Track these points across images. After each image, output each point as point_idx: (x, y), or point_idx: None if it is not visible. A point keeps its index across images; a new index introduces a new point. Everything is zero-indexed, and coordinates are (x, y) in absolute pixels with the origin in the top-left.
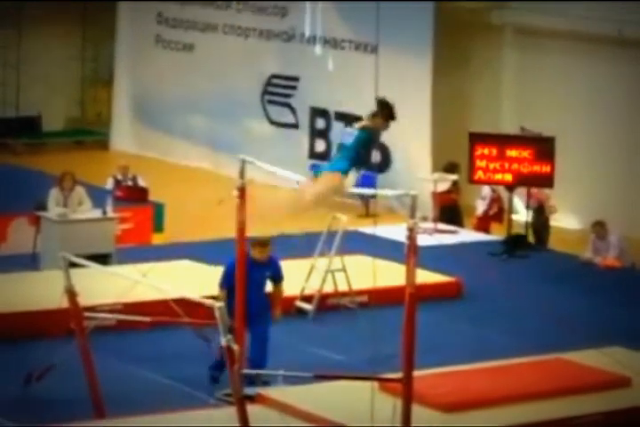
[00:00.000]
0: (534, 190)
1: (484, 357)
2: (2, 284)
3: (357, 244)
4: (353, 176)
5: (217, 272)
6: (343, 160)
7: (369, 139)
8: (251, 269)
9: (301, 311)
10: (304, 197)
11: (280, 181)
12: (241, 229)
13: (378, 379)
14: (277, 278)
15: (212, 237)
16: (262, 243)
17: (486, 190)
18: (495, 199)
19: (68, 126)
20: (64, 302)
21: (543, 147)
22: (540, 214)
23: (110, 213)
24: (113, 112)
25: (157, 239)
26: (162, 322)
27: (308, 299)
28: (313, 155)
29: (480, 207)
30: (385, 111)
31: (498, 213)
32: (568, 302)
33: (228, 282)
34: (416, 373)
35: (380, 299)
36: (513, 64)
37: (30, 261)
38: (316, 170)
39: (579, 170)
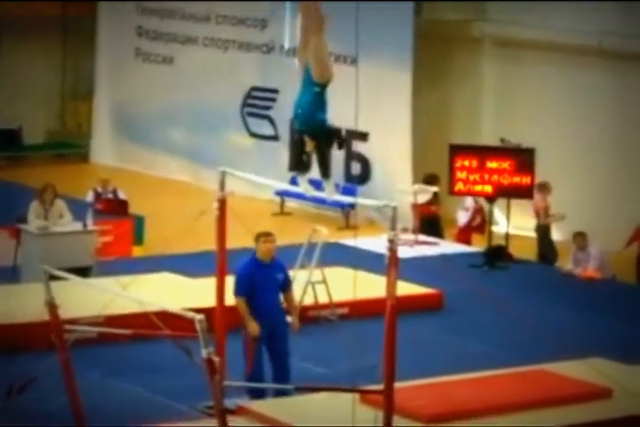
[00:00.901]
0: (535, 202)
1: (466, 368)
2: None
3: (338, 256)
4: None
5: (197, 285)
6: None
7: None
8: (259, 272)
9: None
10: None
11: (260, 192)
12: (221, 241)
13: (359, 391)
14: (288, 284)
15: (192, 249)
16: (267, 233)
17: (469, 201)
18: (478, 210)
19: (49, 139)
20: (45, 315)
21: (523, 158)
22: (545, 233)
23: (91, 226)
24: (93, 125)
25: (138, 252)
26: (143, 335)
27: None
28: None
29: (462, 218)
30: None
31: (480, 224)
32: (549, 314)
33: (244, 288)
34: (397, 384)
35: (361, 311)
36: (493, 76)
37: (11, 274)
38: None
39: (559, 181)
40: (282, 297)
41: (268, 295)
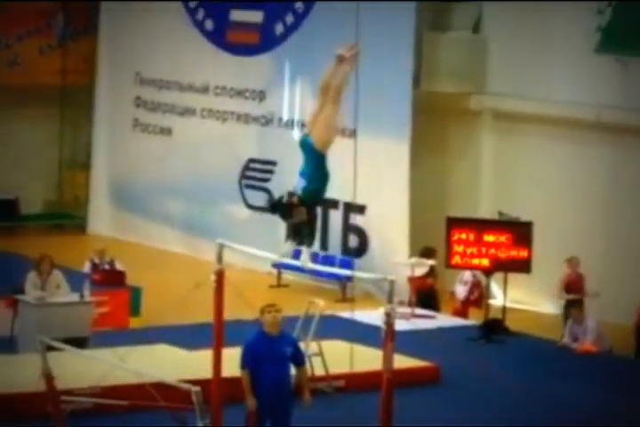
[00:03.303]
0: (564, 276)
1: None
2: None
3: (334, 328)
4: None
5: (194, 356)
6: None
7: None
8: (267, 346)
9: None
10: None
11: (257, 264)
12: (218, 313)
13: None
14: (301, 360)
15: (189, 321)
16: (271, 304)
17: (467, 275)
18: (476, 284)
19: (46, 210)
20: (41, 386)
21: (520, 231)
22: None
23: (87, 297)
24: (91, 195)
25: (134, 323)
26: (139, 406)
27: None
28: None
29: (461, 292)
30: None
31: (478, 298)
32: (546, 387)
33: (248, 362)
34: None
35: (358, 384)
36: (491, 149)
37: (7, 345)
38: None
39: (556, 254)
40: (293, 370)
41: (274, 369)
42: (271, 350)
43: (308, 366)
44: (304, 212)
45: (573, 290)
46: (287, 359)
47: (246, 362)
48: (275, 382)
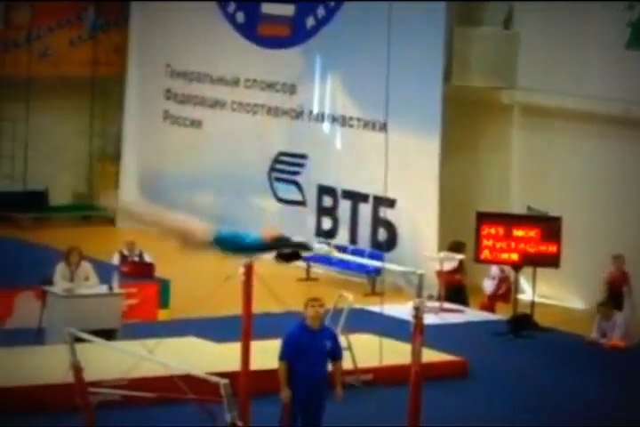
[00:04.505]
0: (610, 274)
1: None
2: (7, 358)
3: (363, 322)
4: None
5: (222, 349)
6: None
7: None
8: (308, 339)
9: None
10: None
11: None
12: (247, 306)
13: None
14: (339, 354)
15: (217, 314)
16: (315, 298)
17: (495, 270)
18: (503, 279)
19: (76, 201)
20: (69, 377)
21: (550, 227)
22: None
23: (116, 289)
24: (120, 188)
25: (163, 315)
26: (167, 398)
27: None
28: (319, 232)
29: (489, 287)
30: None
31: (506, 292)
32: (574, 383)
33: (288, 353)
34: None
35: (386, 378)
36: (521, 143)
37: (36, 336)
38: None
39: (585, 250)
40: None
41: (312, 362)
42: (312, 343)
43: None
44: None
45: (616, 288)
46: (326, 353)
47: (286, 353)
48: (312, 375)
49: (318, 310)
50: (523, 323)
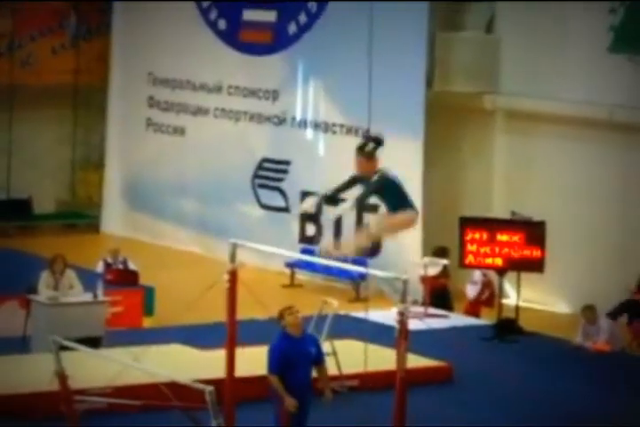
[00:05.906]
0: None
1: None
2: None
3: (348, 328)
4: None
5: (207, 356)
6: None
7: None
8: (293, 349)
9: None
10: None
11: (271, 263)
12: (232, 312)
13: None
14: (321, 358)
15: (202, 321)
16: (289, 306)
17: (477, 275)
18: (486, 284)
19: (59, 209)
20: (54, 385)
21: (534, 231)
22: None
23: (101, 297)
24: (104, 195)
25: (148, 323)
26: (152, 405)
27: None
28: (303, 239)
29: (471, 292)
30: None
31: (489, 297)
32: (559, 387)
33: (277, 367)
34: None
35: (371, 383)
36: (504, 148)
37: (21, 344)
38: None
39: (569, 254)
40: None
41: (300, 370)
42: (298, 352)
43: None
44: None
45: None
46: (312, 360)
47: (275, 367)
48: (301, 384)
49: (297, 317)
50: (507, 328)
